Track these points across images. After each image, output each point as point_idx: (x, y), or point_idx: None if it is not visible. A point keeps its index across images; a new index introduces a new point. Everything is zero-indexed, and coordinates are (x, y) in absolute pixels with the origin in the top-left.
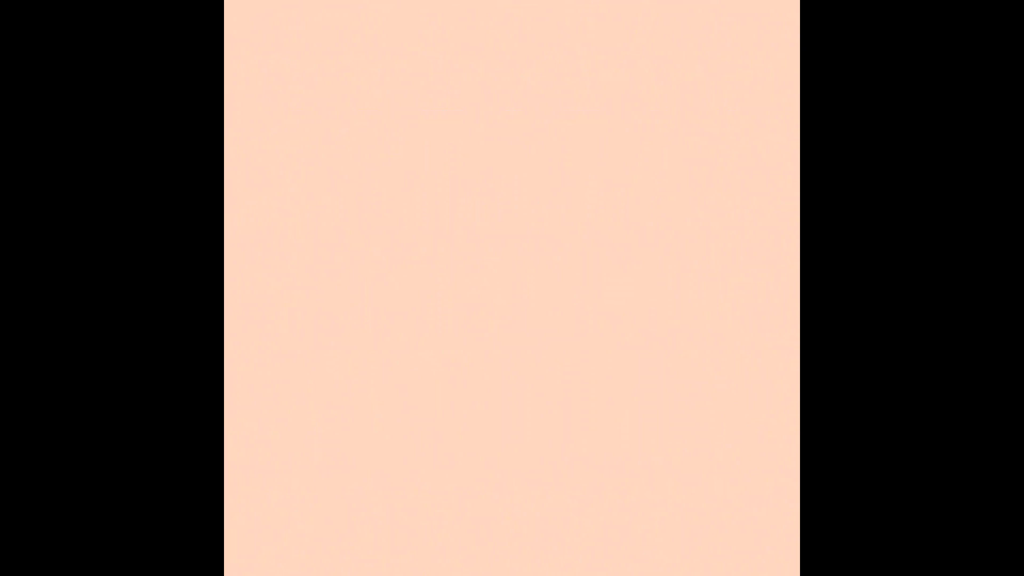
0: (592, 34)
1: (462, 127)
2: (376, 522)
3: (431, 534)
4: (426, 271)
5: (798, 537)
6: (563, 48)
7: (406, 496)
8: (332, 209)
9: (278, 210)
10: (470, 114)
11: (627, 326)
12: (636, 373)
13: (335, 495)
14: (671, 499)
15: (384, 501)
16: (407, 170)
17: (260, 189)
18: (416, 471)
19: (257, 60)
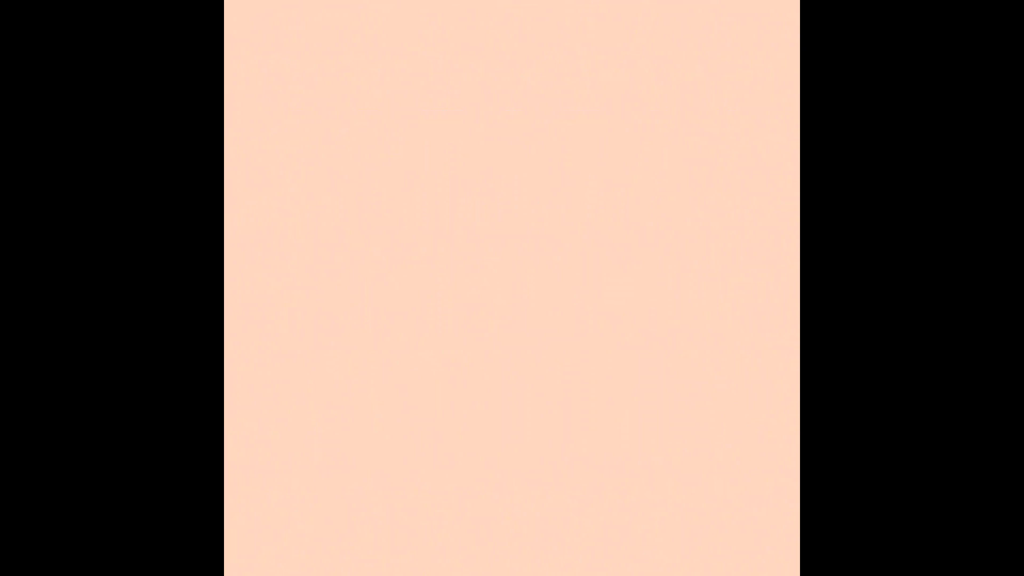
0: (592, 34)
1: (462, 127)
2: (376, 522)
3: (431, 534)
4: (426, 271)
5: (798, 537)
6: (563, 48)
7: (406, 496)
8: (332, 209)
9: (278, 210)
10: (470, 114)
11: (627, 326)
12: (636, 373)
13: (335, 495)
14: (671, 499)
15: (384, 501)
16: (407, 170)
17: (260, 189)
18: (416, 471)
19: (257, 60)
